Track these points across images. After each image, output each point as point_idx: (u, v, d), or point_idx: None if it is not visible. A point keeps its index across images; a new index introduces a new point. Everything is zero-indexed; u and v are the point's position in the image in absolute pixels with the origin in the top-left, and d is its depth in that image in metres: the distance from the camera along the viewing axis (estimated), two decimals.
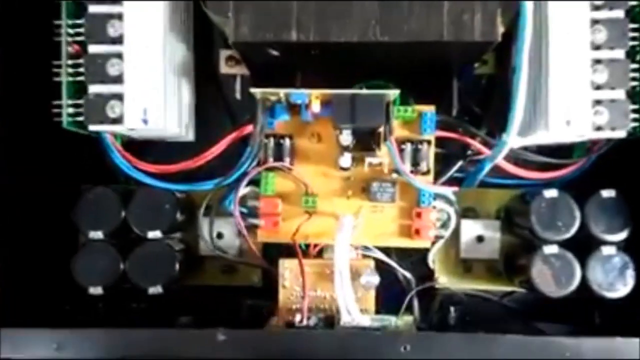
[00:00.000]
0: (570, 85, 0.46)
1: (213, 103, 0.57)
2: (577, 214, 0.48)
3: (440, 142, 0.52)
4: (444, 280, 0.55)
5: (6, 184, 0.48)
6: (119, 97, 0.48)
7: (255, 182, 0.52)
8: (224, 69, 0.58)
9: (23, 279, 0.49)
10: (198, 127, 0.57)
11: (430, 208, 0.50)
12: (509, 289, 0.55)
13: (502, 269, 0.54)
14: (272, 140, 0.51)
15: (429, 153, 0.51)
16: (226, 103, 0.58)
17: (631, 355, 0.41)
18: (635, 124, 0.47)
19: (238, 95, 0.58)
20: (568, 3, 0.46)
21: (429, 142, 0.51)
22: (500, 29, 0.45)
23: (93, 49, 0.48)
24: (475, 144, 0.53)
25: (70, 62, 0.49)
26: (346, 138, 0.49)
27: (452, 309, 0.55)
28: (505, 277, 0.54)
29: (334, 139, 0.50)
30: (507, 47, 0.51)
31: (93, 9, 0.48)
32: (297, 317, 0.46)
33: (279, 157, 0.51)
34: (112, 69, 0.48)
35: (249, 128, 0.51)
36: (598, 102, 0.46)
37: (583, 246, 0.49)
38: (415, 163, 0.51)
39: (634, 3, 0.46)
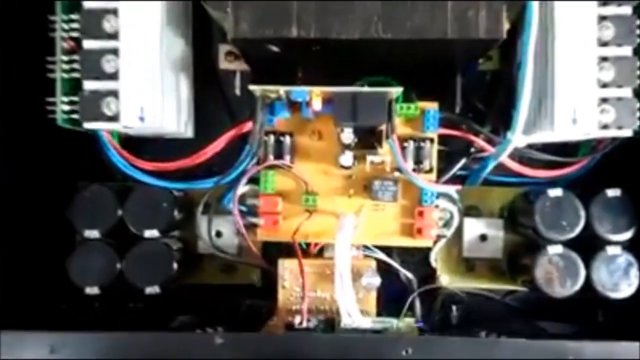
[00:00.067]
0: (576, 83, 0.45)
1: (212, 99, 0.56)
2: (582, 213, 0.48)
3: (443, 139, 0.51)
4: (446, 279, 0.54)
5: (0, 182, 0.47)
6: (115, 94, 0.47)
7: (254, 180, 0.51)
8: (224, 64, 0.56)
9: (19, 278, 0.48)
10: (197, 124, 0.56)
11: (432, 207, 0.49)
12: (512, 288, 0.54)
13: (506, 268, 0.53)
14: (272, 137, 0.50)
15: (432, 151, 0.50)
16: (225, 99, 0.57)
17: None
18: None
19: (238, 91, 0.56)
20: None
21: (431, 139, 0.50)
22: (506, 26, 0.44)
23: (88, 44, 0.47)
24: (479, 141, 0.52)
25: (65, 58, 0.47)
26: (347, 136, 0.48)
27: (454, 308, 0.54)
28: (508, 276, 0.53)
29: (335, 137, 0.49)
30: (512, 42, 0.50)
31: (88, 4, 0.47)
32: (297, 319, 0.45)
33: (279, 154, 0.50)
34: (107, 65, 0.47)
35: (248, 125, 0.50)
36: (604, 101, 0.45)
37: (587, 246, 0.48)
38: (417, 161, 0.50)
39: None
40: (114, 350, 0.41)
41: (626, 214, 0.47)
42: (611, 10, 0.45)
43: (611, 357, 0.41)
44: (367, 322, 0.44)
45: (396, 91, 0.46)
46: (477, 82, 0.56)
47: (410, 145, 0.50)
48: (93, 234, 0.49)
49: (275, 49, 0.47)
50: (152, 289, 0.49)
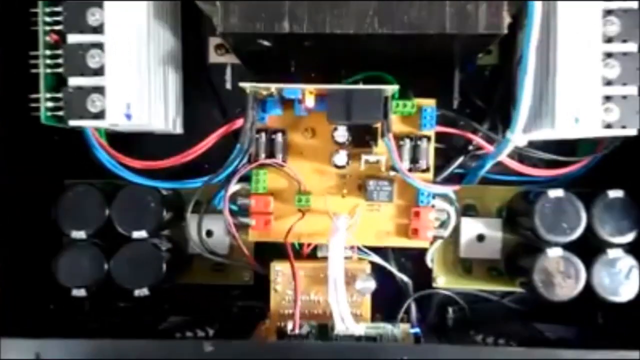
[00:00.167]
0: (579, 80, 0.43)
1: (202, 94, 0.55)
2: (583, 215, 0.46)
3: (440, 136, 0.50)
4: (442, 280, 0.53)
5: None
6: (101, 90, 0.45)
7: (247, 178, 0.49)
8: (214, 57, 0.55)
9: (5, 279, 0.46)
10: (187, 120, 0.54)
11: (429, 207, 0.48)
12: (510, 289, 0.53)
13: (504, 269, 0.52)
14: (263, 135, 0.49)
15: (429, 149, 0.48)
16: (216, 94, 0.55)
17: None
18: None
19: (228, 86, 0.55)
20: None
21: (428, 138, 0.48)
22: (507, 20, 0.42)
23: (72, 38, 0.45)
24: (477, 139, 0.50)
25: (48, 52, 0.46)
26: (341, 134, 0.47)
27: (450, 310, 0.53)
28: (506, 277, 0.52)
29: (329, 134, 0.48)
30: (513, 35, 0.48)
31: None
32: (289, 325, 0.44)
33: (271, 152, 0.49)
34: (92, 61, 0.45)
35: (240, 121, 0.49)
36: (608, 99, 0.44)
37: (588, 248, 0.47)
38: (414, 160, 0.48)
39: None
40: (101, 358, 0.40)
41: (629, 215, 0.46)
42: (617, 4, 0.43)
43: None
44: (361, 328, 0.43)
45: (392, 89, 0.44)
46: (475, 77, 0.54)
47: (407, 143, 0.48)
48: (80, 234, 0.48)
49: (266, 43, 0.45)
50: (141, 292, 0.48)
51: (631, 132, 0.44)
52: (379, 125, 0.46)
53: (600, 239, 0.46)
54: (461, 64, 0.52)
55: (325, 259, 0.47)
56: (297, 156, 0.49)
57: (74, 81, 0.45)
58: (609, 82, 0.44)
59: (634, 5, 0.43)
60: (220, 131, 0.49)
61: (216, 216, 0.51)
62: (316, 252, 0.51)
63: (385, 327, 0.45)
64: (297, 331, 0.43)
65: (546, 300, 0.47)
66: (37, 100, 0.46)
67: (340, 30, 0.42)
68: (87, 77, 0.45)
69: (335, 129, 0.47)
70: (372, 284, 0.46)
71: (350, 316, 0.42)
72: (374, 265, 0.50)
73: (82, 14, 0.45)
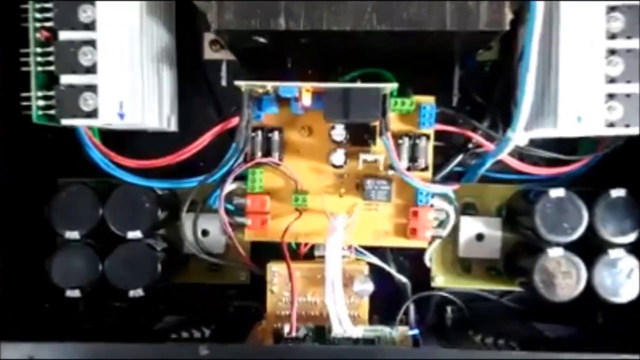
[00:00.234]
0: (582, 78, 0.42)
1: (197, 91, 0.54)
2: (585, 215, 0.45)
3: (439, 134, 0.49)
4: (441, 280, 0.52)
5: None
6: (93, 88, 0.44)
7: (243, 176, 0.49)
8: (209, 53, 0.54)
9: None
10: (182, 118, 0.53)
11: (427, 207, 0.47)
12: (509, 288, 0.52)
13: (503, 269, 0.51)
14: (260, 133, 0.48)
15: (428, 148, 0.48)
16: (211, 91, 0.54)
17: None
18: None
19: (224, 82, 0.54)
20: None
21: (427, 136, 0.48)
22: (509, 17, 0.41)
23: (64, 35, 0.44)
24: (477, 137, 0.50)
25: (39, 50, 0.44)
26: (339, 133, 0.46)
27: (449, 309, 0.53)
28: (505, 277, 0.51)
29: (326, 132, 0.47)
30: (513, 30, 0.47)
31: None
32: (286, 328, 0.43)
33: (267, 151, 0.48)
34: (84, 58, 0.44)
35: (235, 120, 0.48)
36: (611, 97, 0.43)
37: (589, 249, 0.46)
38: (413, 159, 0.47)
39: None
40: None
41: (631, 215, 0.45)
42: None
43: None
44: (358, 331, 0.42)
45: (390, 87, 0.43)
46: (475, 73, 0.53)
47: (405, 142, 0.47)
48: (74, 235, 0.47)
49: (262, 40, 0.44)
50: (136, 292, 0.47)
51: (634, 131, 0.43)
52: (377, 123, 0.45)
53: (602, 239, 0.46)
54: (461, 60, 0.51)
55: (322, 258, 0.46)
56: (293, 155, 0.48)
57: (65, 79, 0.44)
58: (612, 80, 0.43)
59: (639, 1, 0.42)
60: (216, 129, 0.49)
61: (212, 215, 0.50)
62: (313, 251, 0.50)
63: (384, 330, 0.44)
64: (293, 334, 0.42)
65: (546, 300, 0.46)
66: (28, 98, 0.45)
67: (338, 27, 0.41)
68: (79, 75, 0.44)
69: (333, 127, 0.46)
70: (370, 286, 0.45)
71: (347, 318, 0.42)
72: (372, 265, 0.49)
73: (74, 11, 0.44)
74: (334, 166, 0.47)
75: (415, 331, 0.45)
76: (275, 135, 0.48)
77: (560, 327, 0.51)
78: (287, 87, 0.43)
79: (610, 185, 0.46)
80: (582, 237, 0.46)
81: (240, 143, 0.46)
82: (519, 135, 0.43)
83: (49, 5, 0.44)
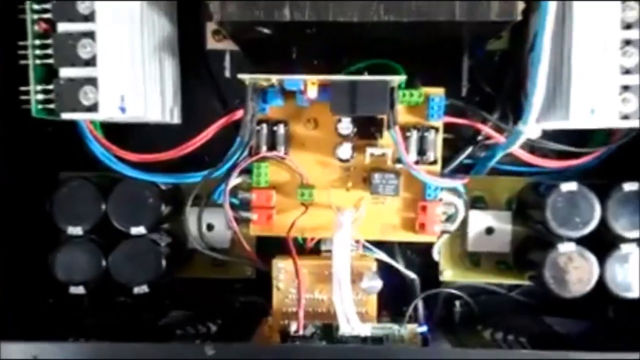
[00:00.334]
0: (596, 69, 0.41)
1: (200, 82, 0.52)
2: (597, 209, 0.44)
3: (448, 126, 0.48)
4: (449, 274, 0.51)
5: None
6: (93, 81, 0.43)
7: (248, 170, 0.48)
8: (212, 43, 0.52)
9: (1, 279, 0.45)
10: (185, 110, 0.52)
11: (436, 201, 0.46)
12: (519, 282, 0.52)
13: (513, 263, 0.50)
14: (264, 126, 0.47)
15: (437, 141, 0.46)
16: (215, 82, 0.53)
17: None
18: None
19: (227, 74, 0.52)
20: None
21: (436, 129, 0.46)
22: (521, 6, 0.39)
23: (62, 27, 0.43)
24: (487, 129, 0.48)
25: (37, 42, 0.43)
26: (346, 126, 0.45)
27: (457, 303, 0.52)
28: (515, 271, 0.51)
29: (333, 125, 0.46)
30: (525, 18, 0.45)
31: None
32: (293, 326, 0.42)
33: (272, 144, 0.47)
34: (83, 51, 0.43)
35: (240, 112, 0.47)
36: (626, 88, 0.42)
37: (601, 243, 0.45)
38: (421, 152, 0.46)
39: None
40: None
41: None
42: None
43: None
44: (367, 329, 0.42)
45: (398, 79, 0.42)
46: (484, 63, 0.51)
47: (414, 134, 0.46)
48: (76, 231, 0.47)
49: (266, 31, 0.43)
50: (140, 289, 0.46)
51: None
52: (384, 116, 0.44)
53: (614, 234, 0.45)
54: (470, 50, 0.50)
55: (329, 253, 0.46)
56: (299, 148, 0.47)
57: (65, 72, 0.43)
58: (627, 71, 0.41)
59: None
60: (220, 122, 0.48)
61: (217, 209, 0.49)
62: (319, 245, 0.49)
63: (392, 328, 0.44)
64: (301, 332, 0.42)
65: (557, 295, 0.45)
66: (27, 92, 0.44)
67: (344, 18, 0.40)
68: (78, 68, 0.43)
69: (339, 120, 0.45)
70: (378, 283, 0.44)
71: (355, 316, 0.41)
72: (379, 260, 0.48)
73: (72, 2, 0.42)
74: (341, 160, 0.46)
75: (424, 328, 0.44)
76: (281, 129, 0.47)
77: (570, 321, 0.50)
78: (293, 80, 0.42)
79: (623, 179, 0.45)
80: (593, 231, 0.45)
81: (245, 137, 0.45)
82: (531, 128, 0.42)
83: None
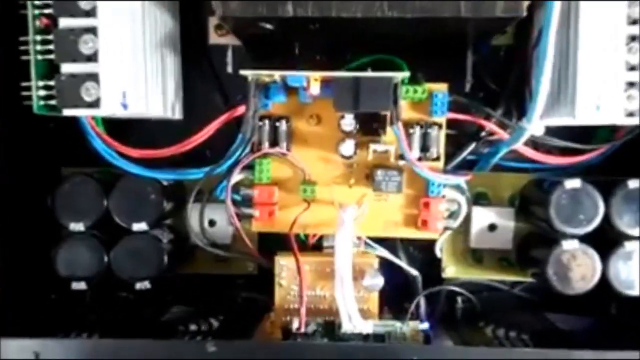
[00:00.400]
0: (601, 66, 0.41)
1: (202, 77, 0.52)
2: (601, 206, 0.44)
3: (452, 122, 0.48)
4: (452, 270, 0.51)
5: None
6: (95, 77, 0.43)
7: (250, 166, 0.48)
8: (214, 38, 0.52)
9: (3, 275, 0.45)
10: (187, 105, 0.52)
11: (439, 198, 0.46)
12: (522, 279, 0.51)
13: (515, 260, 0.50)
14: (267, 122, 0.46)
15: (440, 137, 0.46)
16: (217, 77, 0.52)
17: None
18: None
19: (230, 69, 0.52)
20: None
21: (439, 125, 0.46)
22: (526, 2, 0.39)
23: (64, 22, 0.43)
24: (490, 125, 0.48)
25: (38, 38, 0.43)
26: (348, 123, 0.45)
27: (459, 300, 0.52)
28: (517, 268, 0.50)
29: (335, 121, 0.46)
30: (529, 14, 0.45)
31: None
32: (295, 323, 0.42)
33: (274, 141, 0.47)
34: (85, 46, 0.43)
35: (242, 108, 0.46)
36: (631, 85, 0.41)
37: (604, 241, 0.45)
38: (424, 148, 0.46)
39: None
40: (101, 358, 0.39)
41: None
42: None
43: None
44: (368, 326, 0.41)
45: (402, 75, 0.42)
46: (489, 59, 0.51)
47: (417, 131, 0.46)
48: (78, 227, 0.47)
49: (268, 27, 0.42)
50: (143, 285, 0.46)
51: None
52: (387, 112, 0.44)
53: (618, 231, 0.44)
54: (474, 46, 0.50)
55: (331, 249, 0.46)
56: (301, 144, 0.47)
57: (66, 68, 0.43)
58: (632, 68, 0.41)
59: None
60: (222, 118, 0.47)
61: (219, 205, 0.49)
62: (321, 242, 0.49)
63: (394, 325, 0.43)
64: (302, 329, 0.42)
65: (560, 292, 0.45)
66: (28, 88, 0.44)
67: (347, 13, 0.39)
68: (80, 64, 0.43)
69: (342, 117, 0.45)
70: (380, 281, 0.44)
71: (357, 314, 0.41)
72: (381, 257, 0.48)
73: None
74: (343, 156, 0.46)
75: (426, 325, 0.44)
76: (283, 125, 0.46)
77: (572, 318, 0.50)
78: (295, 76, 0.42)
79: (627, 176, 0.45)
80: (597, 228, 0.45)
81: (247, 133, 0.45)
82: (535, 125, 0.42)
83: None
